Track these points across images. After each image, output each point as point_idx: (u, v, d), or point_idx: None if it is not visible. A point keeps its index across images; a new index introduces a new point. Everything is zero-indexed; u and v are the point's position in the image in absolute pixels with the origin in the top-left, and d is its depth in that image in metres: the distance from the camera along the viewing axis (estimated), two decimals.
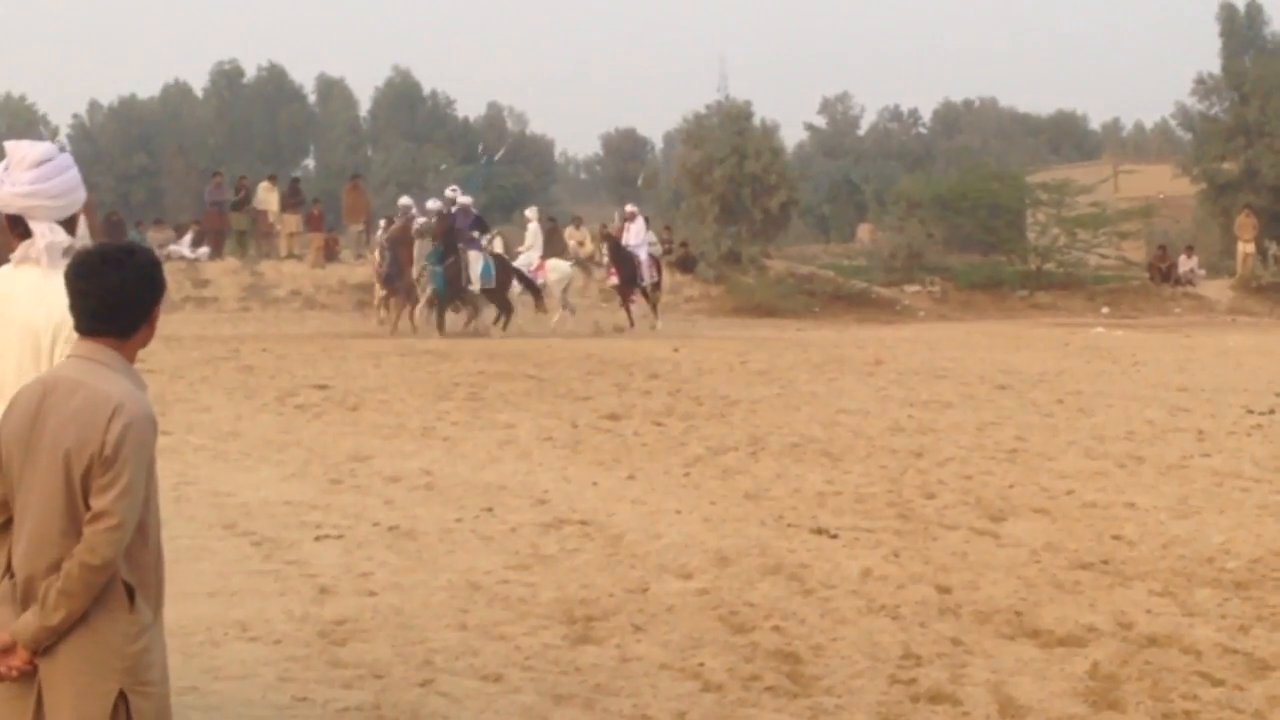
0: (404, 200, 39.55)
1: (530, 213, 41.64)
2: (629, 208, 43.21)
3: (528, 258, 38.67)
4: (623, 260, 38.98)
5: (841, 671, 9.19)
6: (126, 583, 5.21)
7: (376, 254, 38.74)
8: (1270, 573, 11.74)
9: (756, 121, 55.96)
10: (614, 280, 40.37)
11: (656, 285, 40.64)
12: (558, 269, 38.16)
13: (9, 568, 5.26)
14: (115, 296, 5.34)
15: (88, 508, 5.11)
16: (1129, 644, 9.79)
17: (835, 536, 13.01)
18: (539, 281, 37.65)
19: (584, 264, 45.38)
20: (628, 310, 39.10)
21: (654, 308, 40.08)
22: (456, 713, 8.33)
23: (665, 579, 11.50)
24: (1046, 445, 18.05)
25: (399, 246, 36.91)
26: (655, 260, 40.94)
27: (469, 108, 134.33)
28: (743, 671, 9.15)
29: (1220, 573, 11.76)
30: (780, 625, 10.21)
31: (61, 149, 6.85)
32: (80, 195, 6.66)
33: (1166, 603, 10.92)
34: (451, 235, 35.70)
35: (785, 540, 12.86)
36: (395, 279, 37.18)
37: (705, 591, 11.10)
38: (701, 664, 9.31)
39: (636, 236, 40.01)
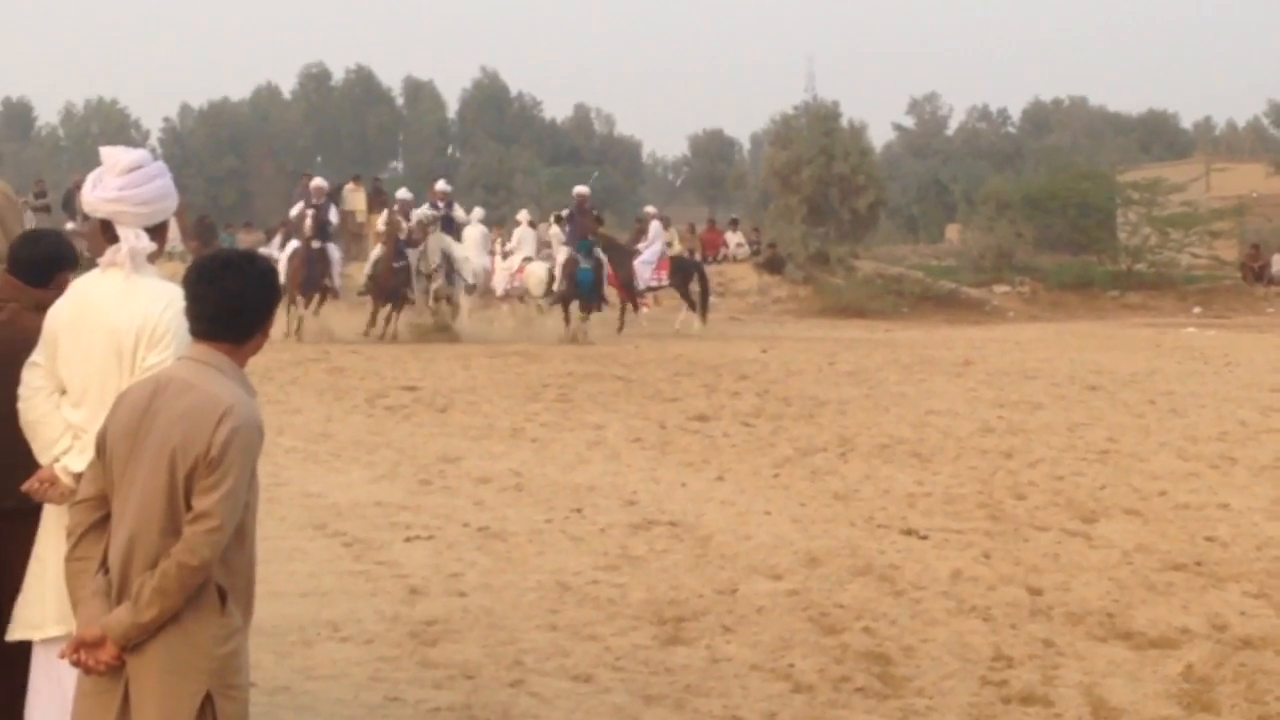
0: (402, 193, 37.27)
1: (521, 215, 40.67)
2: (648, 209, 42.93)
3: (510, 261, 37.88)
4: (619, 261, 36.62)
5: (932, 673, 9.16)
6: (219, 585, 5.25)
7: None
8: None
9: (844, 122, 55.84)
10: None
11: (655, 289, 39.26)
12: (535, 274, 36.58)
13: (104, 563, 5.31)
14: (234, 302, 5.43)
15: (189, 508, 5.16)
16: (1223, 646, 9.72)
17: (925, 537, 12.97)
18: (515, 285, 37.38)
19: (702, 265, 45.22)
20: (623, 311, 36.99)
21: (633, 309, 37.72)
22: (547, 713, 8.35)
23: (755, 580, 11.50)
24: (1138, 446, 17.93)
25: (388, 242, 34.44)
26: (666, 261, 39.13)
27: (556, 109, 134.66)
28: (833, 673, 9.14)
29: None
30: (870, 626, 10.18)
31: (155, 156, 6.91)
32: (170, 204, 6.70)
33: (1261, 604, 10.84)
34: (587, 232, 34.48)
35: (875, 541, 12.83)
36: (387, 278, 34.12)
37: (795, 592, 11.09)
38: (791, 665, 9.30)
39: (652, 237, 39.42)
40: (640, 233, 39.53)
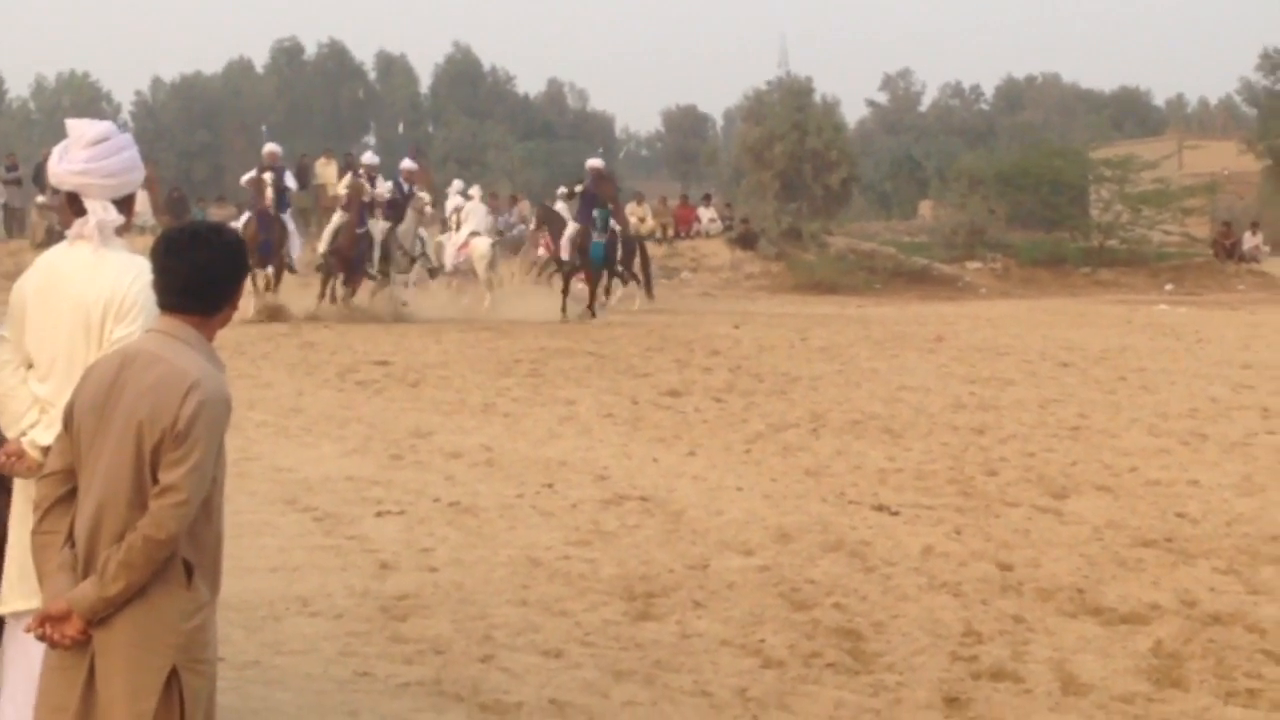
0: (368, 157, 35.77)
1: (473, 190, 39.51)
2: (559, 189, 41.38)
3: (457, 236, 37.05)
4: (555, 232, 35.82)
5: (903, 648, 9.16)
6: (186, 560, 5.23)
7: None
8: None
9: (817, 98, 55.87)
10: (542, 252, 39.60)
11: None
12: (479, 248, 35.82)
13: (70, 536, 5.28)
14: (202, 275, 5.40)
15: (155, 481, 5.13)
16: (1192, 622, 9.73)
17: (896, 513, 12.98)
18: (461, 259, 36.48)
19: (643, 240, 45.28)
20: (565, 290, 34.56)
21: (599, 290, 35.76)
22: (517, 688, 8.33)
23: (726, 555, 11.48)
24: (1109, 422, 17.94)
25: (351, 207, 32.64)
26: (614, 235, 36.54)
27: (529, 84, 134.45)
28: (804, 648, 9.13)
29: None
30: (841, 602, 10.18)
31: (123, 128, 6.87)
32: (137, 176, 6.68)
33: (1230, 580, 10.86)
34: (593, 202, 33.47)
35: (846, 517, 12.83)
36: (350, 246, 32.41)
37: (766, 568, 11.08)
38: (762, 640, 9.30)
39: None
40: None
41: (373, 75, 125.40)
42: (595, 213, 33.17)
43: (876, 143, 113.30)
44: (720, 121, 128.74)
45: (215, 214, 45.63)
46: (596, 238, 32.98)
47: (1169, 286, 47.99)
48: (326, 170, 47.28)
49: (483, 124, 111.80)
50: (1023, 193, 54.52)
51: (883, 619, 9.80)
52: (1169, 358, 25.43)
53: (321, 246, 33.41)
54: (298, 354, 24.51)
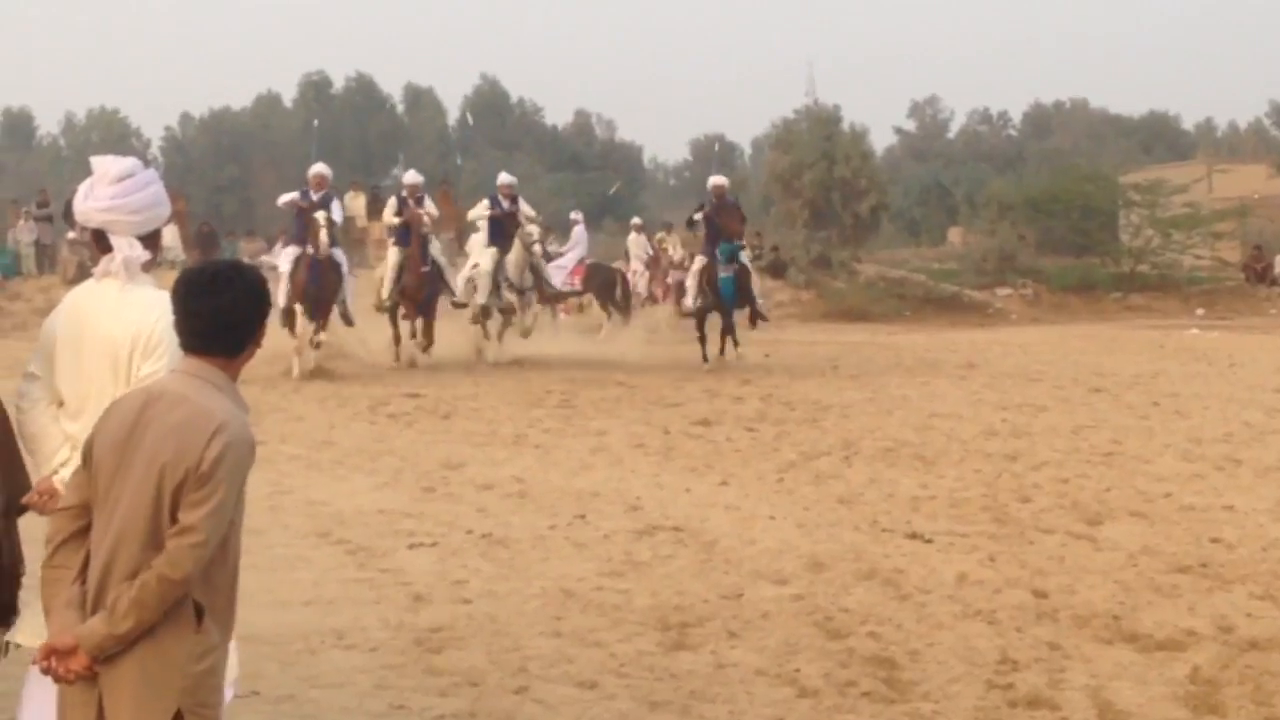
0: (411, 176, 30.67)
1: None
2: (572, 214, 41.44)
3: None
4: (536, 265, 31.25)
5: (938, 677, 9.13)
6: (197, 602, 5.19)
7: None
8: None
9: (845, 126, 55.87)
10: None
11: (561, 296, 35.91)
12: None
13: (82, 572, 5.27)
14: (226, 316, 5.38)
15: (174, 521, 5.11)
16: (1230, 648, 9.68)
17: (930, 541, 12.95)
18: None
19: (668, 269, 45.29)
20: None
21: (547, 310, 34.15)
22: (552, 719, 8.32)
23: (760, 585, 11.47)
24: (1143, 448, 17.90)
25: (414, 242, 28.75)
26: (581, 267, 37.12)
27: (557, 115, 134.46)
28: (839, 677, 9.11)
29: None
30: (876, 630, 10.16)
31: (153, 164, 6.90)
32: (162, 211, 6.71)
33: (1267, 606, 10.81)
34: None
35: (880, 545, 12.80)
36: (418, 288, 28.61)
37: (800, 597, 11.06)
38: (797, 670, 9.28)
39: (573, 242, 38.70)
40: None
41: (401, 108, 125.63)
42: (720, 247, 28.19)
43: (905, 170, 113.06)
44: (748, 150, 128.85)
45: (246, 248, 45.88)
46: (723, 272, 28.20)
47: (1200, 311, 47.82)
48: (355, 203, 47.35)
49: (511, 155, 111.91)
50: (1052, 218, 54.45)
51: (918, 647, 9.77)
52: (1201, 382, 25.36)
53: (384, 291, 28.65)
54: (329, 387, 24.58)
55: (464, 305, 29.33)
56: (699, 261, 29.25)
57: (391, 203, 30.03)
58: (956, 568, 11.91)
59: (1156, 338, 36.97)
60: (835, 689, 8.90)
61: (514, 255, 29.23)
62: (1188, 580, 11.53)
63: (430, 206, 29.59)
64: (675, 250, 46.79)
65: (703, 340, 28.82)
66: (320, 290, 26.60)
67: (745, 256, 29.03)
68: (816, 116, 55.69)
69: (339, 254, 27.39)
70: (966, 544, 12.84)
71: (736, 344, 28.63)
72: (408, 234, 28.92)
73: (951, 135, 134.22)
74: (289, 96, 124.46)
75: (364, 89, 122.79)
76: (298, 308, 26.52)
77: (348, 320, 27.58)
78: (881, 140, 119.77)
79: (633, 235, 45.13)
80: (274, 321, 23.21)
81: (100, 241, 6.51)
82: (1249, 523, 13.63)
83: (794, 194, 52.97)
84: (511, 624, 10.36)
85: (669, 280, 43.31)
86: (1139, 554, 12.37)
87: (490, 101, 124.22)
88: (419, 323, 29.19)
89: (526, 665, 9.37)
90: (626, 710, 8.52)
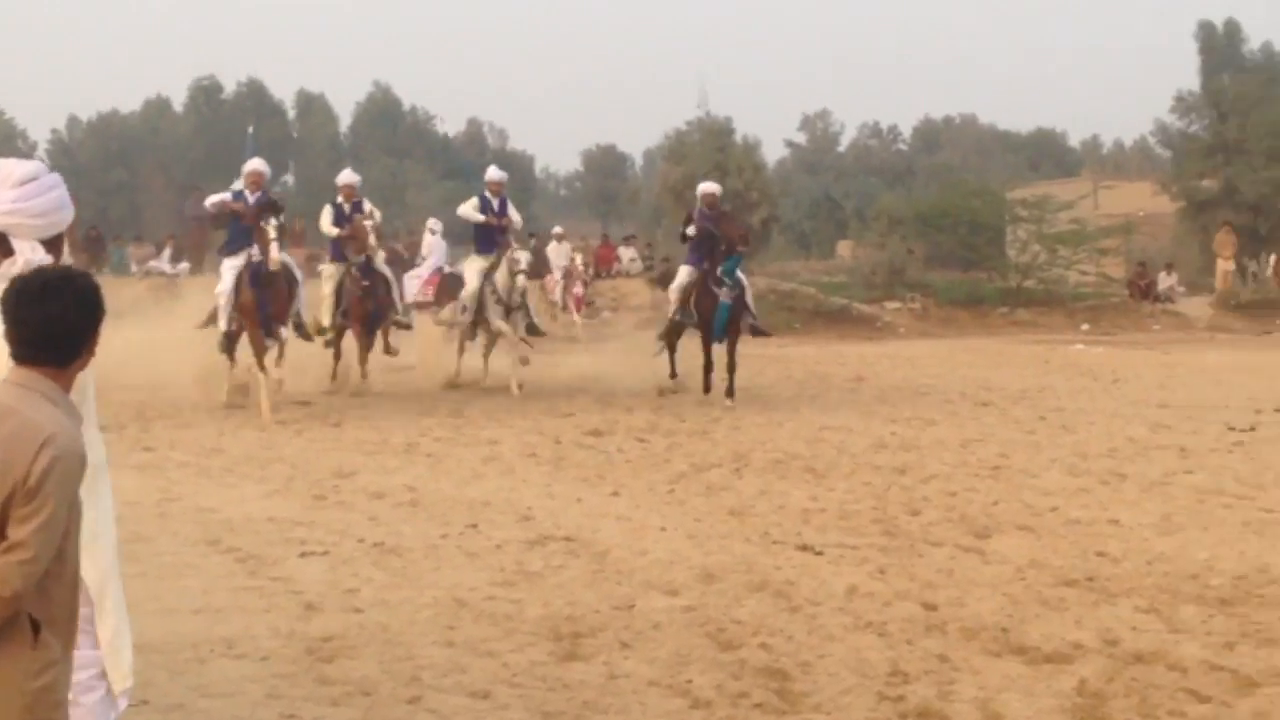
0: (347, 176, 27.47)
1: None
2: (430, 223, 39.57)
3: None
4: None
5: (830, 688, 9.18)
6: (32, 617, 5.05)
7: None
8: (1255, 589, 11.75)
9: (738, 138, 56.08)
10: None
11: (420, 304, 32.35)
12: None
13: None
14: (55, 326, 5.22)
15: (3, 537, 5.00)
16: (1115, 661, 9.78)
17: (820, 553, 13.02)
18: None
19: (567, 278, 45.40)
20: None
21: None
22: None
23: (651, 596, 11.49)
24: (1029, 462, 18.07)
25: (359, 253, 25.77)
26: (436, 277, 33.11)
27: (449, 124, 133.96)
28: (731, 689, 9.13)
29: (1205, 589, 11.76)
30: (767, 642, 10.19)
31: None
32: (66, 215, 6.64)
33: (1152, 619, 10.92)
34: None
35: (770, 557, 12.86)
36: (361, 305, 25.69)
37: (692, 608, 11.09)
38: (689, 681, 9.30)
39: (428, 251, 38.03)
40: (416, 245, 38.86)
41: (292, 114, 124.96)
42: (724, 265, 24.73)
43: (795, 183, 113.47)
44: (640, 161, 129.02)
45: (134, 253, 45.51)
46: (723, 297, 24.52)
47: (1085, 326, 48.29)
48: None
49: (402, 163, 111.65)
50: (941, 233, 54.90)
51: (809, 659, 9.81)
52: (1087, 397, 25.64)
53: (324, 316, 25.84)
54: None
55: (407, 326, 27.67)
56: (684, 274, 25.86)
57: (327, 211, 26.70)
58: (847, 580, 11.98)
59: (1042, 353, 37.31)
60: (728, 700, 8.93)
61: (501, 273, 26.38)
62: (1074, 593, 11.64)
63: (371, 211, 26.34)
64: (576, 259, 46.90)
65: (671, 350, 26.23)
66: (274, 307, 23.08)
67: (742, 276, 25.37)
68: (709, 128, 55.88)
69: (289, 261, 23.86)
70: (857, 556, 12.92)
71: (731, 394, 24.66)
72: (338, 247, 26.24)
73: (842, 149, 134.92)
74: (179, 101, 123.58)
75: (255, 94, 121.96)
76: (250, 323, 22.94)
77: (305, 335, 24.54)
78: (773, 153, 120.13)
79: (553, 244, 45.31)
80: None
81: (1, 245, 6.45)
82: (1133, 537, 13.78)
83: (686, 205, 53.02)
84: (404, 633, 10.34)
85: (577, 291, 43.54)
86: (1026, 567, 12.48)
87: (383, 109, 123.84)
88: (362, 345, 26.00)
89: (419, 675, 9.34)
90: None
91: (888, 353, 37.33)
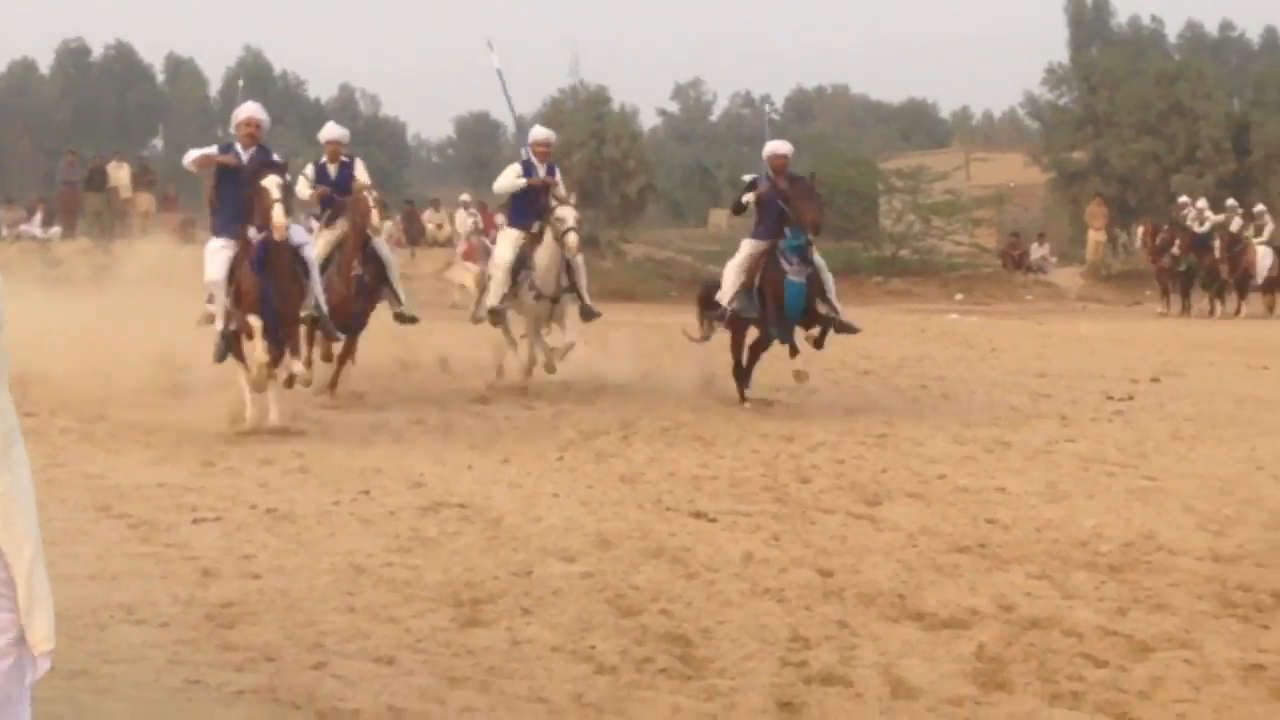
0: (331, 130, 22.63)
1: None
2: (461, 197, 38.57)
3: None
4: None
5: (732, 654, 9.23)
6: None
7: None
8: (1143, 556, 11.92)
9: (615, 106, 56.09)
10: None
11: None
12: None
13: None
14: None
15: None
16: (1012, 626, 9.89)
17: (714, 520, 13.08)
18: None
19: (442, 247, 45.31)
20: None
21: None
22: (353, 695, 8.28)
23: (549, 562, 11.51)
24: (914, 430, 18.23)
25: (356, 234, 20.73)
26: None
27: (320, 89, 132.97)
28: (635, 654, 9.17)
29: (1095, 556, 11.91)
30: (668, 608, 10.23)
31: None
32: None
33: (1044, 585, 11.05)
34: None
35: (665, 524, 12.91)
36: (346, 300, 20.32)
37: (590, 575, 11.11)
38: (593, 646, 9.32)
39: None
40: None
41: (161, 78, 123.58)
42: (786, 237, 20.14)
43: (669, 151, 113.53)
44: (513, 129, 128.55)
45: (5, 216, 44.88)
46: (794, 275, 20.04)
47: (959, 296, 48.81)
48: (118, 173, 46.64)
49: (273, 129, 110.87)
50: None
51: (710, 625, 9.86)
52: (965, 366, 25.91)
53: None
54: (100, 356, 24.07)
55: (411, 319, 21.95)
56: (748, 247, 20.89)
57: (308, 172, 21.88)
58: (742, 546, 12.04)
59: (918, 322, 37.70)
60: (632, 665, 8.96)
61: (545, 249, 21.72)
62: (967, 560, 11.76)
63: (363, 174, 21.62)
64: (445, 226, 46.75)
65: (739, 370, 21.23)
66: (285, 295, 18.02)
67: (818, 255, 20.68)
68: (587, 97, 55.84)
69: (300, 233, 18.96)
70: (750, 523, 12.99)
71: (795, 353, 20.29)
72: (330, 206, 21.34)
73: (714, 118, 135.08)
74: (45, 63, 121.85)
75: (124, 58, 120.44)
76: (254, 324, 17.75)
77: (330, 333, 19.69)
78: (646, 122, 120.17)
79: (460, 212, 45.10)
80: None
81: None
82: (1021, 504, 13.94)
83: (563, 173, 53.00)
84: (304, 600, 10.30)
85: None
86: (918, 534, 12.60)
87: (253, 73, 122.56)
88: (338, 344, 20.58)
89: (322, 641, 9.31)
90: (426, 686, 8.50)
91: None
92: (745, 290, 20.52)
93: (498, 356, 23.36)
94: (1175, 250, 44.59)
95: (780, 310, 20.05)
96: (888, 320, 38.26)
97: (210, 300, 18.53)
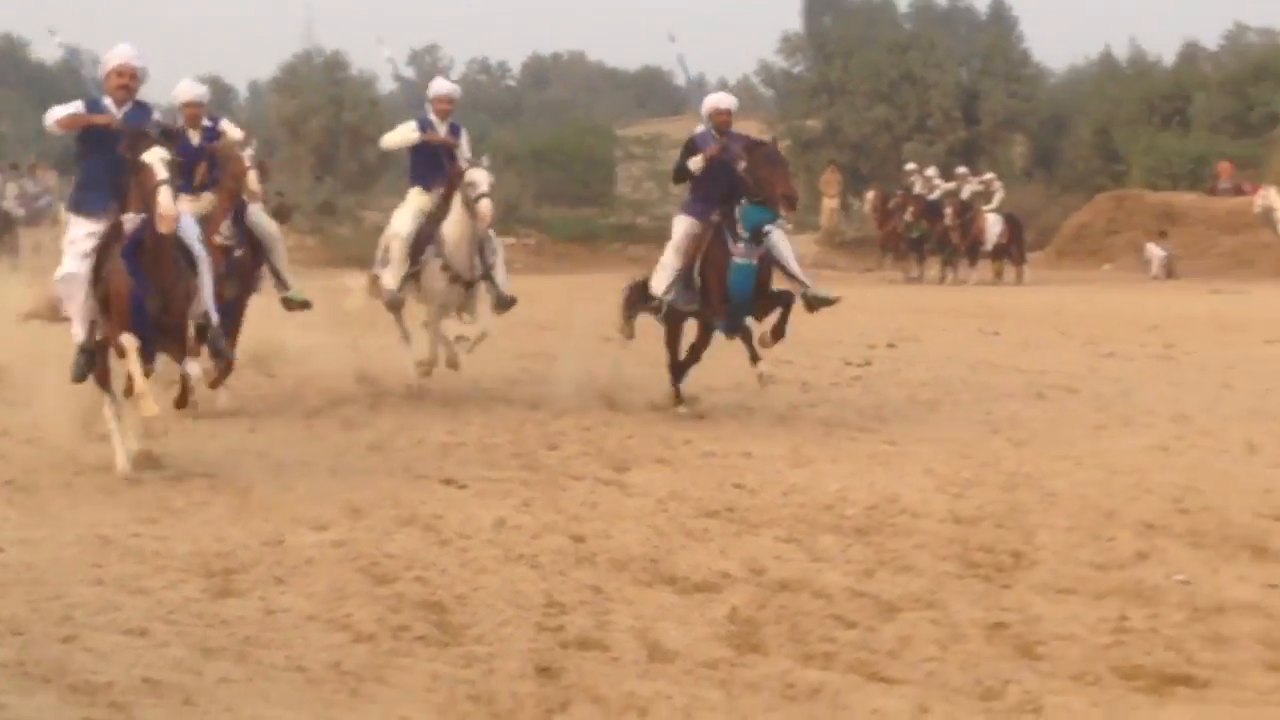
0: (189, 88, 17.95)
1: None
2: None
3: None
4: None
5: (489, 620, 9.24)
6: None
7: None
8: (887, 519, 12.15)
9: (355, 71, 55.67)
10: None
11: None
12: None
13: None
14: None
15: None
16: (763, 589, 10.04)
17: (465, 487, 13.09)
18: None
19: None
20: None
21: None
22: (106, 667, 8.14)
23: (300, 531, 11.41)
24: (659, 396, 18.29)
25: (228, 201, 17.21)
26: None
27: (44, 50, 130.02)
28: (391, 622, 9.14)
29: (840, 519, 12.12)
30: (422, 575, 10.21)
31: None
32: None
33: (793, 549, 11.22)
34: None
35: (416, 491, 12.88)
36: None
37: (342, 543, 11.04)
38: (349, 615, 9.27)
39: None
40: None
41: None
42: (745, 211, 16.78)
43: (404, 118, 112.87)
44: (244, 93, 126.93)
45: None
46: (738, 256, 16.82)
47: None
48: None
49: None
50: (555, 169, 55.26)
51: (465, 591, 9.87)
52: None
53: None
54: None
55: (302, 304, 18.64)
56: (684, 225, 17.54)
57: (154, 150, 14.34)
58: (494, 513, 12.05)
59: None
60: (389, 633, 8.93)
61: (454, 221, 18.40)
62: (716, 524, 11.89)
63: (231, 129, 18.17)
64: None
65: (675, 366, 18.16)
66: (169, 299, 13.41)
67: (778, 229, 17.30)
68: (322, 61, 55.34)
69: (190, 223, 14.09)
70: (500, 490, 13.01)
71: (756, 360, 17.35)
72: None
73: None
74: None
75: None
76: (128, 344, 13.30)
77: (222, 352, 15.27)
78: (381, 87, 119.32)
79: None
80: None
81: None
82: (767, 469, 14.12)
83: (300, 139, 52.59)
84: (49, 572, 10.10)
85: None
86: (667, 499, 12.71)
87: None
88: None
89: (71, 614, 9.15)
90: (181, 657, 8.40)
91: None
92: (683, 277, 17.29)
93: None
94: (909, 216, 45.41)
95: (725, 299, 16.90)
96: None
97: (60, 299, 14.13)
